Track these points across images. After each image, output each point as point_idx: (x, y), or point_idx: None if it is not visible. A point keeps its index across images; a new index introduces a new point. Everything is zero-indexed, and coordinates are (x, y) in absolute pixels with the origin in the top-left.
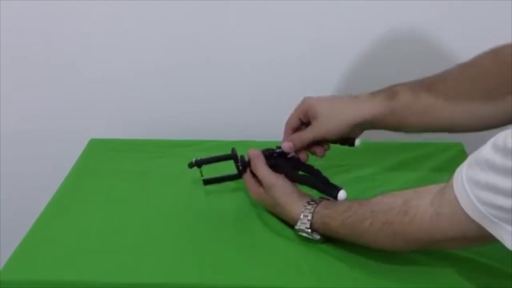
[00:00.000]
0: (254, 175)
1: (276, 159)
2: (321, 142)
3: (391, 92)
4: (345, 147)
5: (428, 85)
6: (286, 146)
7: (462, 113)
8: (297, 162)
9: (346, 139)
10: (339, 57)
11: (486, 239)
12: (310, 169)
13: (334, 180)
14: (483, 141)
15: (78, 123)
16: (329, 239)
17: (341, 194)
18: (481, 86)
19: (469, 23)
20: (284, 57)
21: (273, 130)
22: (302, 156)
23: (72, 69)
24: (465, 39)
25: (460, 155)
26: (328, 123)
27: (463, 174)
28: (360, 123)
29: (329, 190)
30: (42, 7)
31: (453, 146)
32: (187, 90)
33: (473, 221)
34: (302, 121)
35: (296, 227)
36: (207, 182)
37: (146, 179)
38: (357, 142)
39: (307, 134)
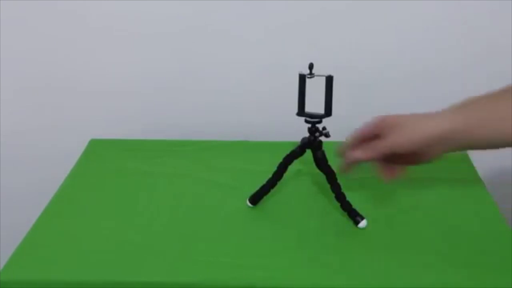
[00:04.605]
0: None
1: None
2: (392, 161)
3: (467, 103)
4: None
5: (503, 93)
6: (359, 154)
7: None
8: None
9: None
10: (340, 57)
11: None
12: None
13: None
14: None
15: (78, 123)
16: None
17: (363, 223)
18: None
19: (469, 22)
20: (285, 57)
21: (274, 130)
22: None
23: (72, 69)
24: (465, 39)
25: (460, 155)
26: (407, 132)
27: None
28: (439, 135)
29: (354, 213)
30: (43, 7)
31: None
32: (187, 90)
33: None
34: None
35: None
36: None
37: (146, 179)
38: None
39: (383, 143)
